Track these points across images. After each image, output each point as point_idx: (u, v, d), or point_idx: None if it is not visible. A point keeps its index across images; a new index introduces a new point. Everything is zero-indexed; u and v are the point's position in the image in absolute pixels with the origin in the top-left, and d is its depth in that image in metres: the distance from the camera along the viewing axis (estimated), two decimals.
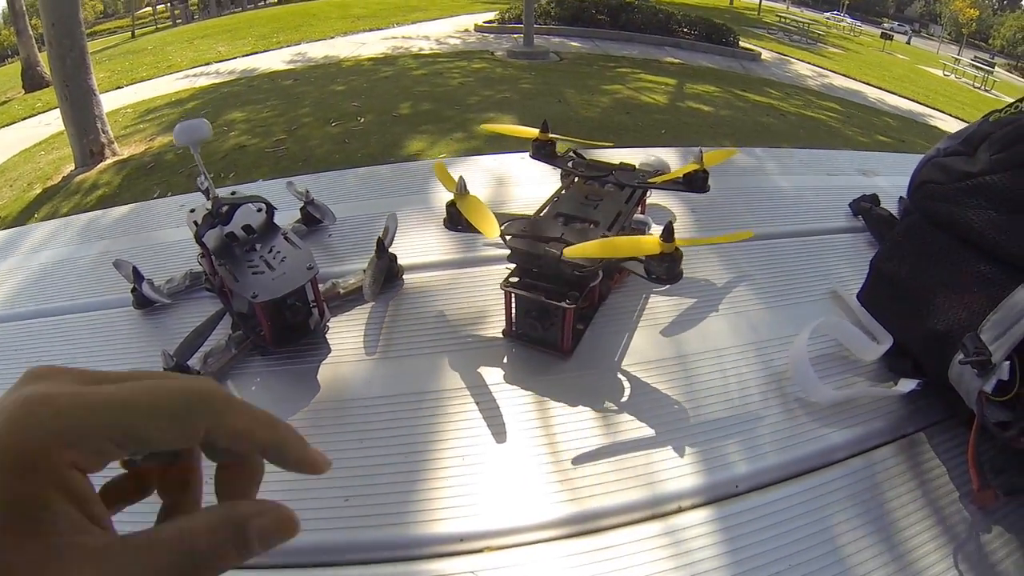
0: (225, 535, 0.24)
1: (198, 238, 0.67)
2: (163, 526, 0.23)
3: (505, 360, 0.65)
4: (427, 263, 0.80)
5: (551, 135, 0.88)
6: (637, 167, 0.86)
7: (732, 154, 0.88)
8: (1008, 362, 0.52)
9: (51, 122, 6.89)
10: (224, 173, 4.82)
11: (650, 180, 0.81)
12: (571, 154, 0.89)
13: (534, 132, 0.89)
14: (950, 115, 9.55)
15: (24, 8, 9.40)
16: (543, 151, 0.89)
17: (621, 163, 0.86)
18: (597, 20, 11.33)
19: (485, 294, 0.75)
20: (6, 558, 0.20)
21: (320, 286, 0.69)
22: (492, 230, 0.64)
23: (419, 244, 0.84)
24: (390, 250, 0.75)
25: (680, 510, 0.51)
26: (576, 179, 0.82)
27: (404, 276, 0.77)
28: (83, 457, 0.22)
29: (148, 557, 0.22)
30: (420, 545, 0.48)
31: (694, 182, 0.79)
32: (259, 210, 0.73)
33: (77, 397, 0.23)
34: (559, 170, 0.88)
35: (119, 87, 8.53)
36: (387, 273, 0.73)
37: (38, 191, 5.17)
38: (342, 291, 0.72)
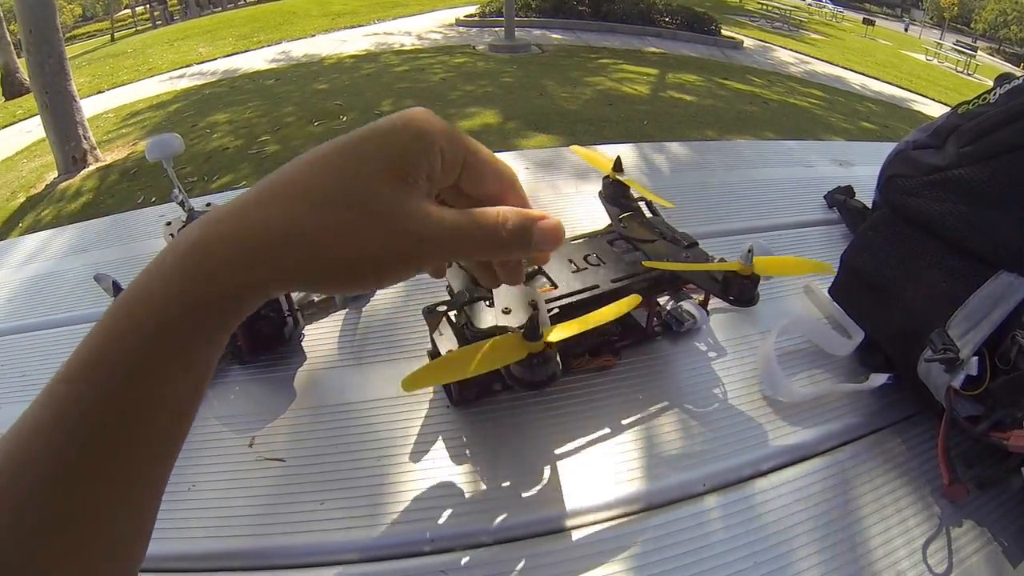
0: (521, 232, 0.31)
1: None
2: (480, 211, 0.30)
3: None
4: None
5: (622, 176, 0.75)
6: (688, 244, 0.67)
7: (820, 269, 0.63)
8: (977, 357, 0.52)
9: (32, 129, 6.83)
10: (207, 176, 4.79)
11: (678, 269, 0.62)
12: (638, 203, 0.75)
13: (608, 163, 0.77)
14: (933, 99, 9.59)
15: (1, 15, 9.28)
16: (612, 192, 0.75)
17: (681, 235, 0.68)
18: (578, 11, 11.30)
19: None
20: (376, 188, 0.27)
21: (294, 295, 0.69)
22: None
23: None
24: None
25: (649, 508, 0.52)
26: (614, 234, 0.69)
27: None
28: (449, 154, 0.30)
29: (467, 229, 0.29)
30: (392, 545, 0.49)
31: (736, 292, 0.59)
32: None
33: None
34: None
35: (100, 91, 8.46)
36: None
37: (21, 200, 5.13)
38: (316, 299, 0.72)
